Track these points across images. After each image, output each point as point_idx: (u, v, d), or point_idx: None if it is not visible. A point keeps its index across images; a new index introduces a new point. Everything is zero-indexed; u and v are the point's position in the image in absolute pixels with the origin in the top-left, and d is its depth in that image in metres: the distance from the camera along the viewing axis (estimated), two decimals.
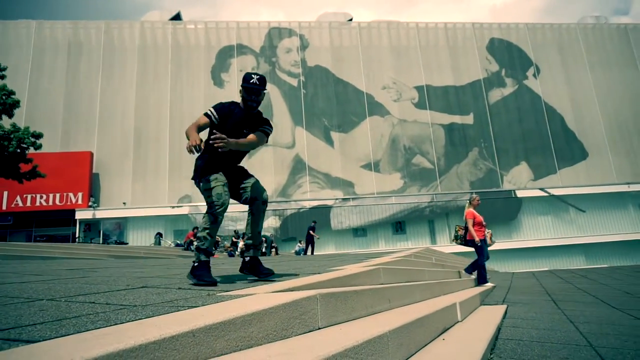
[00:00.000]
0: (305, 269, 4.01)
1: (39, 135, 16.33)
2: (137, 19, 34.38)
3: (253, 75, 3.15)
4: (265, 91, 3.21)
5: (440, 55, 33.11)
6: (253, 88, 3.13)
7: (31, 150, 16.20)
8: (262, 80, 3.18)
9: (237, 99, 3.31)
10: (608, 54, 34.37)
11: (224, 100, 3.34)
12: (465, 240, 7.39)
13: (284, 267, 4.62)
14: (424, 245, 26.68)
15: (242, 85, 3.17)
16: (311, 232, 18.69)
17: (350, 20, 34.01)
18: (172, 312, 1.51)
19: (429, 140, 31.46)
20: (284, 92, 30.67)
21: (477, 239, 7.00)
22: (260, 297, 1.79)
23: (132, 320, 1.36)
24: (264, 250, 17.63)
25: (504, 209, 29.86)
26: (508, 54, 33.79)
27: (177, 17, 32.81)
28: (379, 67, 32.12)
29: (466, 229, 7.32)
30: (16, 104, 15.83)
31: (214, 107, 3.16)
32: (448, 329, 2.93)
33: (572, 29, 34.86)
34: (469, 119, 32.27)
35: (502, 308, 4.57)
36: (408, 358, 1.97)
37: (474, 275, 7.50)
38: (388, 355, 1.71)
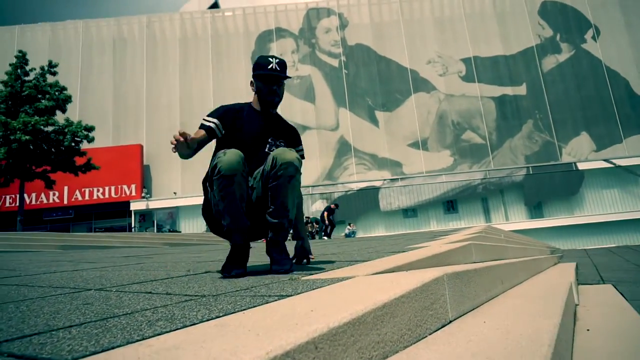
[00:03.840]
0: (382, 249, 3.52)
1: (90, 129, 16.72)
2: (177, 10, 34.68)
3: (270, 59, 2.29)
4: (287, 77, 2.35)
5: (488, 24, 31.17)
6: (273, 76, 2.25)
7: (85, 143, 16.64)
8: (283, 65, 2.32)
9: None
10: None
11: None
12: None
13: (350, 248, 4.16)
14: (477, 224, 25.55)
15: (255, 74, 2.30)
16: (326, 214, 16.66)
17: None
18: (259, 304, 1.06)
19: (479, 115, 29.89)
20: (325, 74, 29.98)
21: None
22: (376, 281, 1.30)
23: (208, 320, 0.91)
24: (313, 232, 17.29)
25: (564, 184, 28.00)
26: (563, 17, 31.32)
27: (214, 5, 32.77)
28: (422, 41, 30.71)
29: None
30: (68, 99, 16.24)
31: (211, 114, 2.29)
32: (575, 316, 2.36)
33: None
34: (521, 90, 30.33)
35: (610, 288, 3.90)
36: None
37: None
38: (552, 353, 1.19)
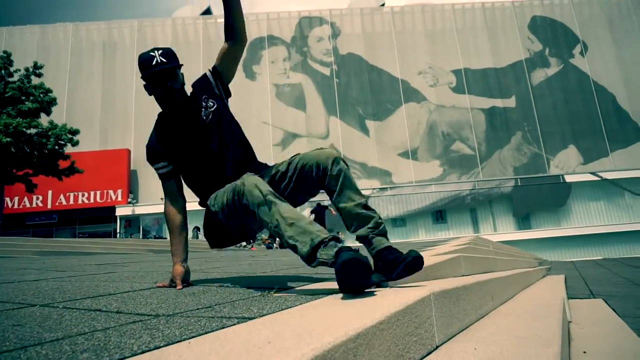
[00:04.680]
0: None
1: (75, 132, 16.40)
2: (169, 15, 34.50)
3: (152, 53, 1.89)
4: (179, 66, 1.97)
5: (478, 37, 31.50)
6: (162, 71, 1.87)
7: (69, 147, 16.30)
8: (169, 54, 1.92)
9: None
10: None
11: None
12: None
13: None
14: (466, 234, 25.54)
15: (143, 77, 1.91)
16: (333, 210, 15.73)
17: (383, 5, 32.86)
18: (215, 329, 0.90)
19: (468, 126, 30.07)
20: (316, 82, 29.96)
21: None
22: (354, 302, 1.15)
23: (143, 352, 0.75)
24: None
25: (552, 195, 28.20)
26: (552, 32, 31.78)
27: (207, 11, 32.67)
28: (413, 52, 30.89)
29: None
30: (53, 101, 15.93)
31: (148, 153, 2.03)
32: (569, 335, 2.22)
33: (622, 2, 32.36)
34: (510, 102, 30.61)
35: (601, 303, 3.79)
36: None
37: None
38: None
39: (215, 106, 2.01)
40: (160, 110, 2.05)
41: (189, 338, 0.83)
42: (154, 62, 1.87)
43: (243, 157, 1.99)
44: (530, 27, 31.94)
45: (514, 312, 2.12)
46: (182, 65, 2.00)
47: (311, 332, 0.77)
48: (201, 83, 2.09)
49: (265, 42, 30.51)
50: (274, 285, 1.70)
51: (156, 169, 2.03)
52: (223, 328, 0.91)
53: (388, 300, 1.06)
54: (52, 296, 1.66)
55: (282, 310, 1.09)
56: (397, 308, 0.97)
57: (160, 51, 1.90)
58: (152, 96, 1.97)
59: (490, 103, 30.42)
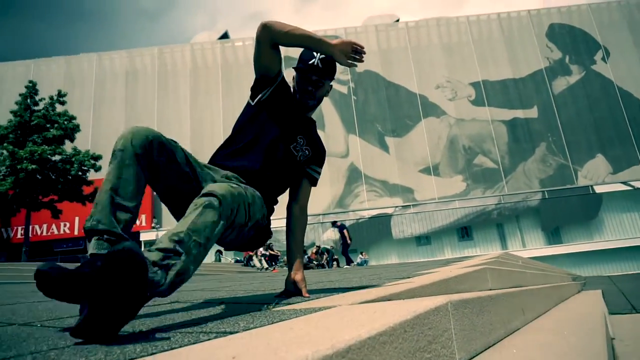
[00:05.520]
0: (386, 276, 3.18)
1: (98, 157, 16.75)
2: (188, 42, 35.41)
3: (315, 53, 1.88)
4: (330, 83, 1.98)
5: (496, 48, 31.18)
6: (310, 72, 1.89)
7: (92, 173, 16.62)
8: (329, 63, 1.90)
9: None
10: None
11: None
12: None
13: (354, 275, 3.81)
14: (494, 251, 24.79)
15: (296, 67, 1.93)
16: (346, 232, 15.29)
17: (397, 21, 32.99)
18: (186, 344, 0.75)
19: (490, 139, 29.51)
20: (334, 101, 30.06)
21: None
22: (349, 311, 0.98)
23: None
24: (324, 263, 16.80)
25: (582, 207, 27.18)
26: (571, 39, 31.22)
27: (224, 36, 33.42)
28: (430, 67, 30.75)
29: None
30: (76, 128, 16.35)
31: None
32: (613, 353, 1.98)
33: None
34: (532, 113, 29.98)
35: None
36: None
37: None
38: None
39: (308, 155, 1.97)
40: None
41: (149, 355, 0.69)
42: (311, 62, 1.89)
43: (270, 195, 1.81)
44: (548, 35, 31.46)
45: (549, 327, 1.90)
46: (332, 80, 1.99)
47: (291, 345, 0.61)
48: (320, 144, 2.08)
49: (283, 63, 30.86)
50: (276, 300, 1.55)
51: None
52: (195, 343, 0.76)
53: (394, 309, 0.89)
54: (38, 316, 1.55)
55: (272, 324, 0.94)
56: (404, 318, 0.80)
57: (322, 56, 1.88)
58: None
59: (511, 114, 29.86)
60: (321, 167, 2.08)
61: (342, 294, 1.63)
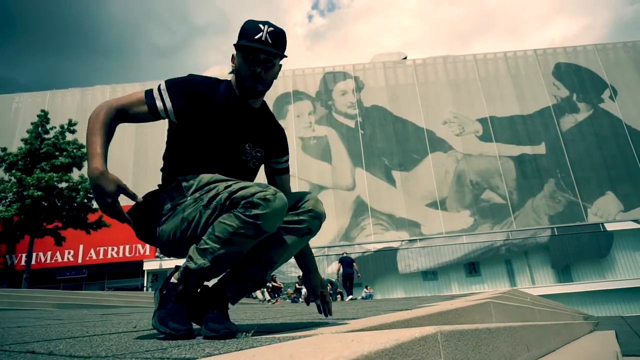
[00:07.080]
0: (385, 308, 3.04)
1: None
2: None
3: (261, 26, 1.52)
4: (280, 62, 1.62)
5: (503, 85, 31.50)
6: (258, 50, 1.50)
7: None
8: (278, 36, 1.54)
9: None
10: None
11: None
12: None
13: (352, 307, 3.67)
14: (502, 287, 24.17)
15: (237, 44, 1.54)
16: (355, 264, 15.19)
17: (405, 58, 33.60)
18: None
19: (498, 174, 29.36)
20: (341, 134, 30.29)
21: None
22: (326, 340, 0.89)
23: None
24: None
25: (593, 245, 26.64)
26: (578, 78, 31.49)
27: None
28: (437, 102, 31.05)
29: None
30: (84, 156, 16.54)
31: (169, 84, 1.56)
32: None
33: None
34: (540, 149, 29.91)
35: None
36: None
37: None
38: None
39: (260, 157, 1.70)
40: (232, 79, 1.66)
41: None
42: (257, 36, 1.50)
43: None
44: (554, 74, 31.78)
45: None
46: (286, 56, 1.59)
47: None
48: (275, 132, 1.78)
49: (291, 97, 31.38)
50: (255, 328, 1.45)
51: (158, 96, 1.56)
52: None
53: (373, 337, 0.79)
54: (14, 339, 1.46)
55: (235, 351, 0.84)
56: (382, 346, 0.71)
57: (270, 28, 1.52)
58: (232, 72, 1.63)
59: (519, 150, 29.82)
60: (284, 154, 1.79)
61: (332, 326, 1.53)
